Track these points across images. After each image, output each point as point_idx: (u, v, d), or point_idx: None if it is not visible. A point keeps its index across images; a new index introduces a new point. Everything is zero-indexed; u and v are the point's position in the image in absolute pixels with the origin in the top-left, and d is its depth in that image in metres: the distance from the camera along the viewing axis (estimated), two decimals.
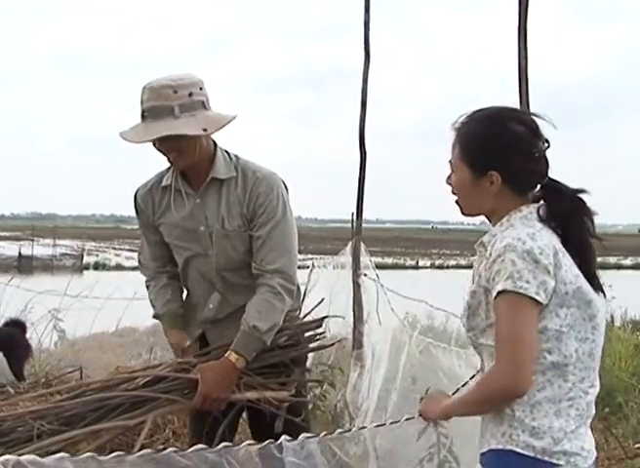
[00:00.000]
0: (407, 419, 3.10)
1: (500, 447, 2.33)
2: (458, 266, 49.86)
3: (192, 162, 3.35)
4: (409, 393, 5.02)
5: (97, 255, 54.49)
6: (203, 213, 3.43)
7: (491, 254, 2.31)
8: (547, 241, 2.29)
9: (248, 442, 2.80)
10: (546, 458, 2.26)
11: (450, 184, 2.51)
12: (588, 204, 2.41)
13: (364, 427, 3.49)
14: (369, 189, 6.59)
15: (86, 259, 47.80)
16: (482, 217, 2.54)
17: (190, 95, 3.23)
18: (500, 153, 2.38)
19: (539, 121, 2.43)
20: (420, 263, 53.97)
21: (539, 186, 2.43)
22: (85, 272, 39.82)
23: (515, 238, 2.27)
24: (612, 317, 11.74)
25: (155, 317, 3.68)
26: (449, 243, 79.95)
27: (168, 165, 3.48)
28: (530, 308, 2.22)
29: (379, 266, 7.87)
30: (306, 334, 3.65)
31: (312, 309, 3.87)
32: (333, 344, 3.95)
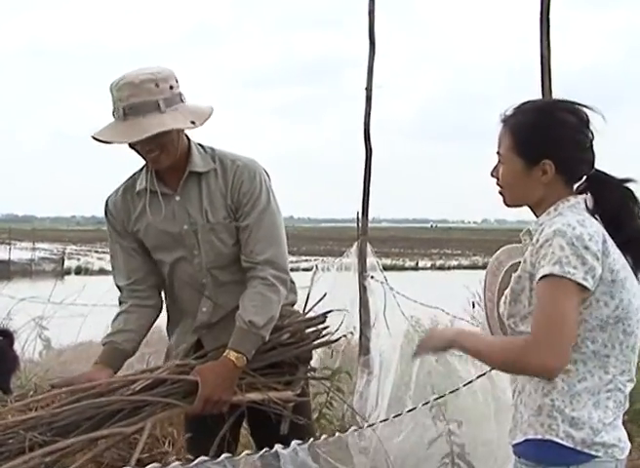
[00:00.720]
0: (409, 411, 3.13)
1: (539, 436, 2.38)
2: (459, 267, 49.89)
3: (174, 159, 3.32)
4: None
5: (78, 259, 54.27)
6: (185, 210, 3.41)
7: (538, 241, 2.37)
8: (597, 228, 2.36)
9: (247, 452, 2.85)
10: (586, 450, 2.33)
11: (495, 176, 2.58)
12: (637, 193, 2.48)
13: (358, 428, 3.54)
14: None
15: (67, 264, 47.63)
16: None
17: (171, 87, 3.23)
18: (553, 142, 2.45)
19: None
20: (420, 264, 53.97)
21: (585, 178, 2.50)
22: (66, 277, 39.70)
23: (565, 224, 2.33)
24: None
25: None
26: (449, 242, 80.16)
27: (138, 167, 3.49)
28: (575, 293, 2.28)
29: (383, 268, 7.84)
30: (309, 330, 3.64)
31: (315, 304, 3.85)
32: (338, 340, 3.88)
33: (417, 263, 53.57)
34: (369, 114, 6.40)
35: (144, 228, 3.48)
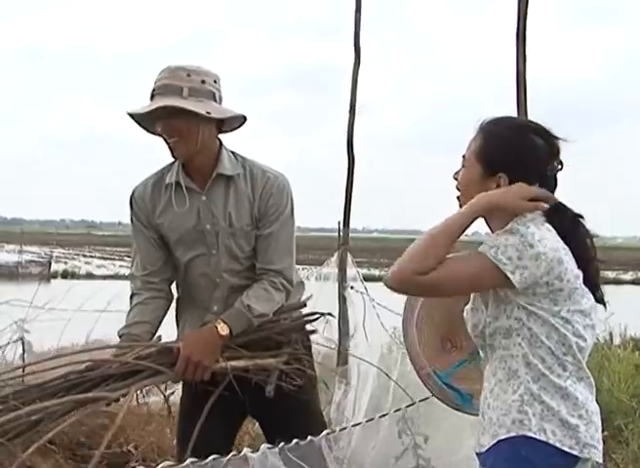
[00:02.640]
0: (381, 416, 3.17)
1: (513, 434, 2.42)
2: None
3: (192, 152, 3.43)
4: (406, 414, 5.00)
5: (65, 263, 54.11)
6: (210, 211, 3.52)
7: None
8: (552, 236, 2.44)
9: (214, 456, 2.93)
10: (557, 445, 2.39)
11: (456, 179, 2.65)
12: (587, 225, 2.56)
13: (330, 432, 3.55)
14: (355, 197, 6.55)
15: (54, 267, 47.42)
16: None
17: (203, 82, 3.38)
18: (514, 158, 2.52)
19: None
20: None
21: None
22: (53, 280, 39.58)
23: (519, 223, 2.44)
24: (610, 335, 11.74)
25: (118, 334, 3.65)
26: None
27: (166, 163, 3.61)
28: (491, 272, 2.39)
29: (365, 278, 7.82)
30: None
31: (301, 305, 3.88)
32: (318, 318, 3.90)
33: None
34: (352, 124, 6.40)
35: (168, 222, 3.58)
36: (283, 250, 3.57)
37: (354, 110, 6.40)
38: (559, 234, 2.49)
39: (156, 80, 3.40)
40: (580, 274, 2.46)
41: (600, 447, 2.46)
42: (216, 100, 3.43)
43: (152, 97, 3.39)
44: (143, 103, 3.41)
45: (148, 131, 3.53)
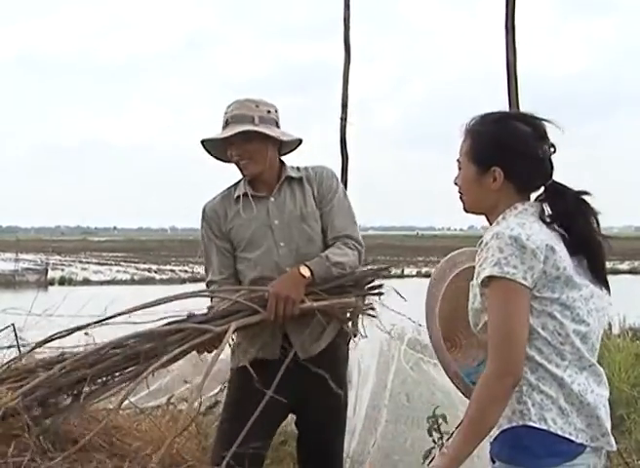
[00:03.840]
0: None
1: (514, 424, 2.46)
2: None
3: (261, 170, 3.90)
4: (403, 411, 5.01)
5: (62, 270, 54.14)
6: (277, 207, 3.93)
7: (481, 246, 2.49)
8: (537, 230, 2.45)
9: None
10: (559, 432, 2.41)
11: (457, 184, 2.70)
12: (591, 204, 2.57)
13: None
14: (350, 195, 6.54)
15: (51, 274, 47.43)
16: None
17: (269, 112, 3.89)
18: (504, 150, 2.56)
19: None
20: (406, 272, 53.90)
21: (542, 188, 2.60)
22: (50, 287, 39.58)
23: (504, 227, 2.45)
24: (609, 325, 11.73)
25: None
26: (435, 250, 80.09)
27: (231, 182, 4.05)
28: (520, 294, 2.39)
29: None
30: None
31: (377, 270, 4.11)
32: (387, 268, 4.29)
33: (402, 271, 53.54)
34: (345, 121, 6.40)
35: (239, 225, 3.95)
36: (347, 218, 3.99)
37: (346, 108, 6.41)
38: (562, 217, 2.53)
39: (227, 111, 3.88)
40: (571, 263, 2.48)
41: (591, 432, 2.45)
42: (278, 127, 3.93)
43: (226, 125, 3.86)
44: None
45: (219, 158, 3.99)
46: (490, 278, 2.40)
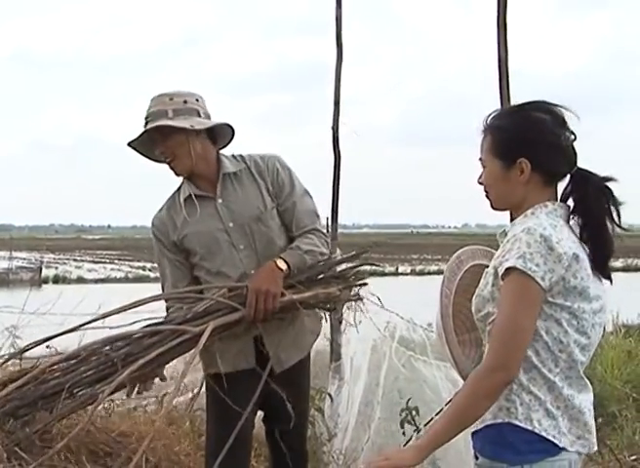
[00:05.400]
0: None
1: (499, 421, 2.45)
2: (439, 272, 49.68)
3: (189, 166, 3.75)
4: (395, 407, 5.03)
5: (56, 268, 54.09)
6: (228, 209, 3.79)
7: (508, 238, 2.46)
8: (568, 235, 2.44)
9: None
10: (543, 434, 2.40)
11: (481, 183, 2.66)
12: (615, 192, 2.53)
13: None
14: (345, 192, 6.56)
15: (45, 272, 47.44)
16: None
17: (185, 102, 3.71)
18: (527, 140, 2.52)
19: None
20: (400, 269, 53.97)
21: (568, 177, 2.56)
22: (44, 286, 39.53)
23: (537, 224, 2.42)
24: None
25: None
26: (429, 247, 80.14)
27: (172, 191, 3.91)
28: (535, 292, 2.37)
29: None
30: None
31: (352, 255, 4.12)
32: (363, 252, 4.16)
33: (397, 269, 53.57)
34: (337, 119, 6.41)
35: (192, 232, 3.81)
36: (309, 213, 3.91)
37: (338, 106, 6.42)
38: (583, 205, 2.51)
39: (146, 111, 3.72)
40: (591, 273, 2.47)
41: (572, 437, 2.45)
42: (200, 116, 3.73)
43: (145, 125, 3.70)
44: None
45: (155, 160, 3.84)
46: (510, 269, 2.38)
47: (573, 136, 2.55)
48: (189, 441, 4.97)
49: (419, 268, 56.03)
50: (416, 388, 4.81)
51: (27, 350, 3.82)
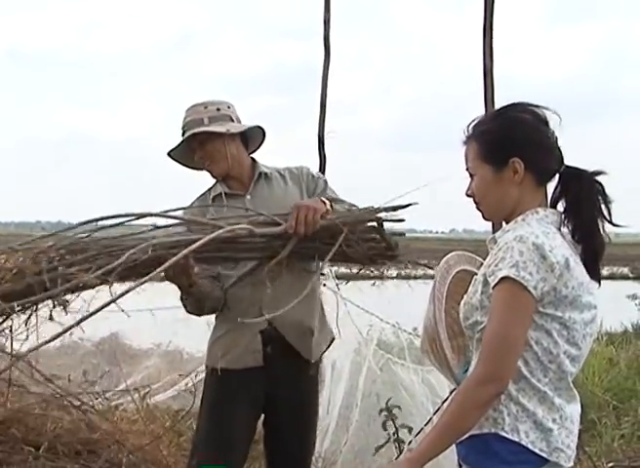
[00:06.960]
0: None
1: (485, 431, 2.40)
2: (425, 276, 49.24)
3: (226, 169, 3.87)
4: (373, 410, 5.03)
5: None
6: (256, 204, 3.78)
7: (499, 246, 2.41)
8: (560, 243, 2.40)
9: None
10: (529, 446, 2.36)
11: (470, 195, 2.60)
12: (606, 189, 2.50)
13: None
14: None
15: None
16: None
17: (218, 109, 3.85)
18: (516, 140, 2.49)
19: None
20: (386, 273, 53.95)
21: (557, 176, 2.53)
22: None
23: (529, 232, 2.38)
24: None
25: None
26: (415, 251, 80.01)
27: (203, 188, 3.99)
28: (528, 302, 2.33)
29: (341, 277, 7.77)
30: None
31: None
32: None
33: (382, 272, 53.43)
34: (323, 122, 6.42)
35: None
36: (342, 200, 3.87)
37: (325, 108, 6.44)
38: (575, 202, 2.49)
39: (182, 122, 3.85)
40: (583, 280, 2.44)
41: (570, 452, 2.43)
42: (233, 121, 3.87)
43: (183, 134, 3.83)
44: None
45: (191, 167, 3.96)
46: (503, 279, 2.33)
47: (553, 134, 2.53)
48: (170, 440, 4.97)
49: (404, 272, 55.85)
50: (393, 391, 4.82)
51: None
